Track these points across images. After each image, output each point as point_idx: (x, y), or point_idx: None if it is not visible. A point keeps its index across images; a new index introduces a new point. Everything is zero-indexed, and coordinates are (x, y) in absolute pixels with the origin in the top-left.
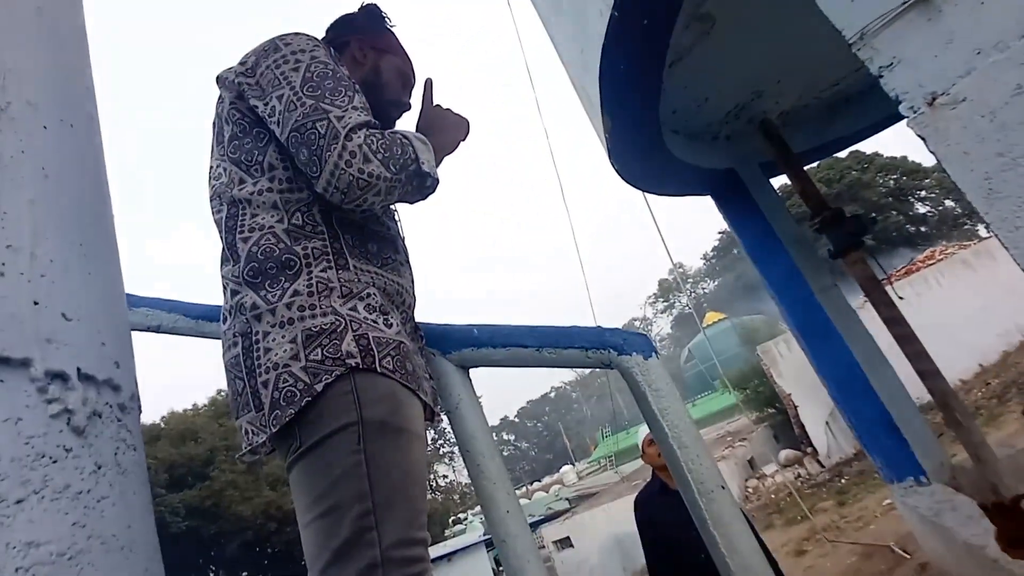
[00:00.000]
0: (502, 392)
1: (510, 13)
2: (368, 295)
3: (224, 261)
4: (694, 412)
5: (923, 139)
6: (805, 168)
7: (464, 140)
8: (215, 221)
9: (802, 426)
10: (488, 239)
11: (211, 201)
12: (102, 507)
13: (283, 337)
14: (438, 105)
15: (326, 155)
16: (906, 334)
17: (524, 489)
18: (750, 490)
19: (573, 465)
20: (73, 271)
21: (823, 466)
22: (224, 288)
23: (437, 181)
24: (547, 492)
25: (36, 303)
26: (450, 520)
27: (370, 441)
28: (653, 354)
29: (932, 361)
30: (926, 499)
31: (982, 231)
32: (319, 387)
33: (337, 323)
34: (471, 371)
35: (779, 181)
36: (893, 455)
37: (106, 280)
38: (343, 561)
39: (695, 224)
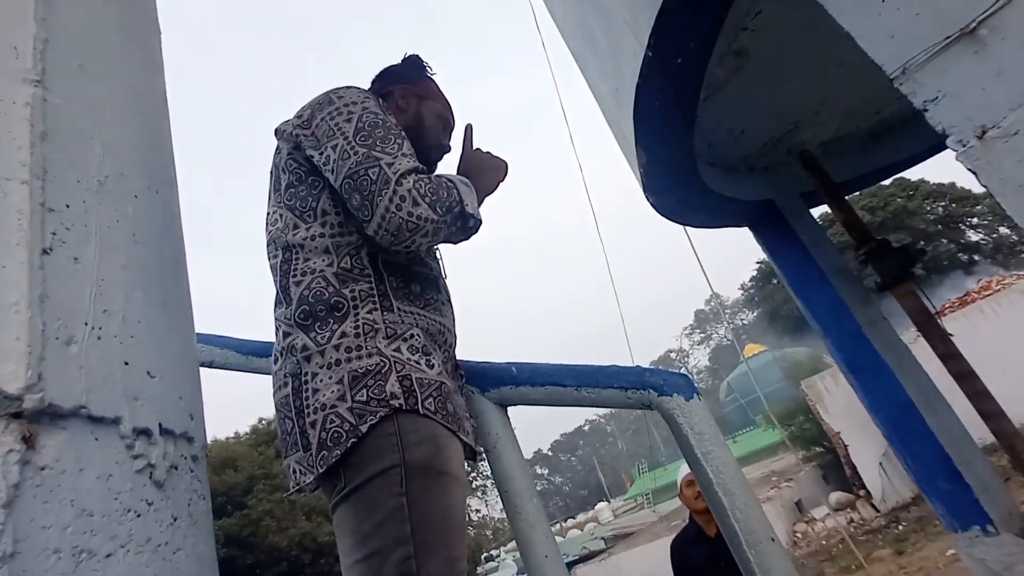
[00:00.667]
0: (536, 424)
1: (544, 52)
2: (411, 335)
3: (277, 304)
4: (735, 449)
5: (974, 172)
6: (847, 197)
7: (503, 180)
8: (271, 266)
9: (853, 467)
10: (522, 267)
11: (268, 247)
12: (177, 559)
13: (330, 378)
14: (478, 148)
15: (378, 199)
16: (964, 370)
17: (558, 526)
18: (798, 535)
19: (608, 502)
20: (157, 329)
21: (878, 510)
22: (276, 330)
23: (480, 222)
24: (581, 530)
25: (126, 363)
26: (483, 557)
27: (412, 484)
28: (695, 395)
29: (994, 400)
30: (995, 550)
31: None
32: (364, 428)
33: (382, 364)
34: (509, 409)
35: (820, 210)
36: (955, 501)
37: (183, 335)
38: None
39: (732, 253)
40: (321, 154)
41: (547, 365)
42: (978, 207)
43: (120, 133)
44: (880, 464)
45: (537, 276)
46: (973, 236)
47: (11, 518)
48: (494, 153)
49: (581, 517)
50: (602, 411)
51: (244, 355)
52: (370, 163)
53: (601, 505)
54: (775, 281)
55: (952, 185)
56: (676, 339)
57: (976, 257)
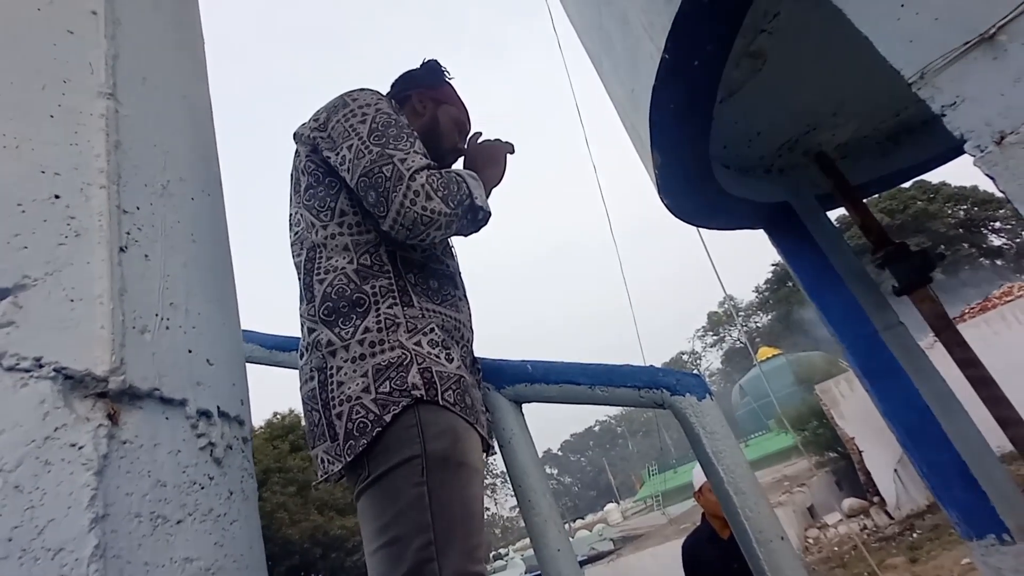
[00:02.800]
0: (547, 424)
1: (561, 57)
2: (431, 330)
3: (302, 300)
4: (748, 453)
5: (991, 178)
6: (865, 200)
7: (507, 161)
8: (295, 264)
9: (867, 473)
10: (535, 265)
11: (292, 246)
12: (233, 529)
13: (355, 371)
14: (480, 137)
15: (392, 195)
16: (983, 377)
17: (567, 526)
18: (810, 540)
19: (618, 503)
20: (212, 322)
21: (892, 518)
22: (302, 326)
23: (489, 214)
24: (590, 531)
25: (189, 351)
26: (491, 555)
27: (432, 474)
28: (708, 395)
29: (1013, 407)
30: (1011, 560)
31: None
32: (388, 418)
33: (404, 356)
34: (524, 406)
35: (836, 213)
36: (971, 509)
37: (232, 328)
38: None
39: (746, 256)
40: (337, 155)
41: (562, 363)
42: (1000, 211)
43: (177, 139)
44: (895, 471)
45: (551, 277)
46: (995, 240)
47: (101, 484)
48: (492, 139)
49: (590, 518)
50: (612, 412)
51: (268, 349)
52: (384, 161)
53: (611, 506)
54: (790, 284)
55: (974, 188)
56: (688, 341)
57: (999, 262)
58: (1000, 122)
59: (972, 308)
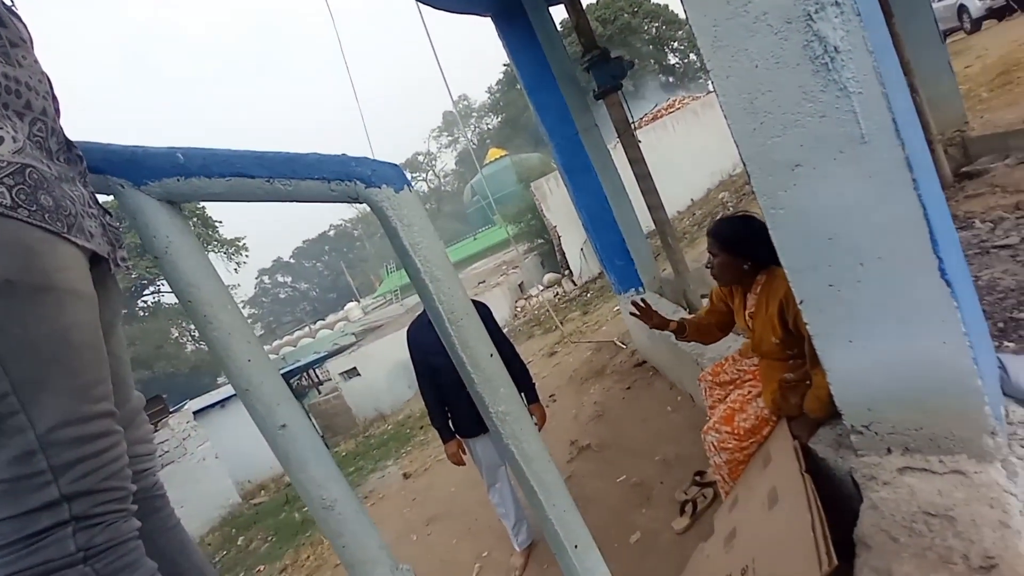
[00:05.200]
0: (272, 229)
1: None
2: None
3: None
4: (474, 246)
5: None
6: (583, 2)
7: None
8: None
9: (563, 253)
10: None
11: None
12: None
13: None
14: None
15: None
16: (644, 173)
17: (307, 329)
18: (519, 309)
19: (358, 302)
20: None
21: (576, 285)
22: None
23: None
24: (332, 329)
25: None
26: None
27: None
28: (406, 186)
29: (659, 196)
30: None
31: (711, 85)
32: None
33: None
34: (184, 206)
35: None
36: (623, 272)
37: None
38: None
39: (482, 56)
40: None
41: (228, 152)
42: (680, 32)
43: None
44: (581, 249)
45: (257, 64)
46: (672, 60)
47: None
48: None
49: (331, 318)
50: (347, 215)
51: None
52: None
53: (351, 305)
54: (519, 87)
55: (666, 7)
56: (424, 142)
57: (671, 79)
58: None
59: (645, 117)
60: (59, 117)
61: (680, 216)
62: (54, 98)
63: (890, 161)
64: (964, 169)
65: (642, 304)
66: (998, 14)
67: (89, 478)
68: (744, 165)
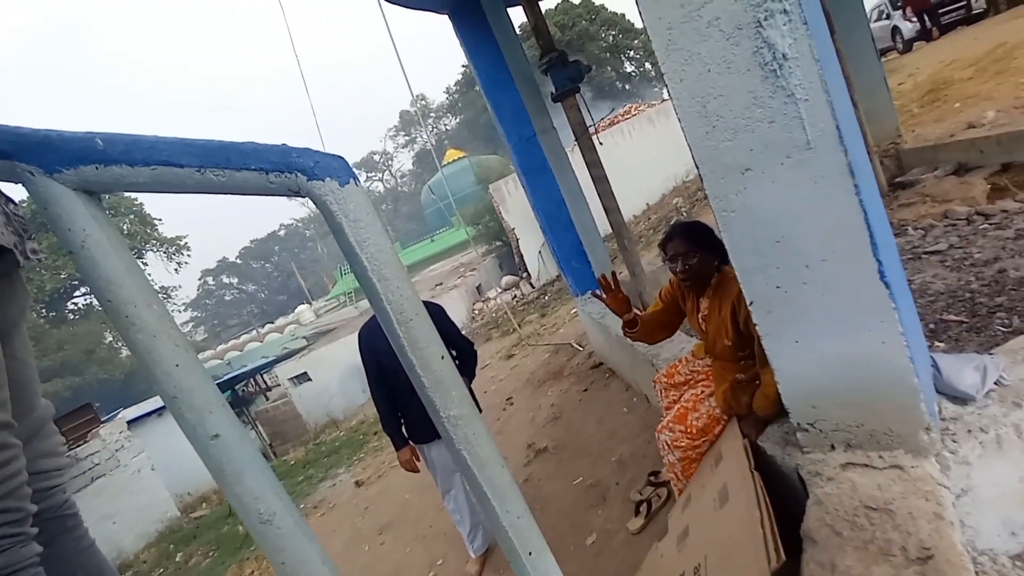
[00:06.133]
0: (217, 229)
1: None
2: None
3: None
4: (432, 247)
5: (639, 7)
6: (542, 6)
7: None
8: None
9: (521, 255)
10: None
11: None
12: None
13: None
14: None
15: None
16: (601, 176)
17: (255, 332)
18: (476, 311)
19: (310, 304)
20: None
21: (533, 287)
22: None
23: None
24: (282, 333)
25: None
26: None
27: None
28: (352, 180)
29: (615, 199)
30: (596, 306)
31: (665, 93)
32: None
33: None
34: (104, 197)
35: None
36: (580, 275)
37: None
38: None
39: (441, 56)
40: None
41: (153, 138)
42: (636, 41)
43: None
44: (539, 252)
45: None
46: (628, 67)
47: None
48: None
49: (281, 321)
50: (298, 214)
51: None
52: None
53: (302, 308)
54: (477, 88)
55: (623, 16)
56: (380, 141)
57: (627, 86)
58: None
59: (603, 122)
60: None
61: (636, 220)
62: None
63: (834, 167)
64: (898, 179)
65: (610, 279)
66: (927, 35)
67: None
68: (697, 168)
